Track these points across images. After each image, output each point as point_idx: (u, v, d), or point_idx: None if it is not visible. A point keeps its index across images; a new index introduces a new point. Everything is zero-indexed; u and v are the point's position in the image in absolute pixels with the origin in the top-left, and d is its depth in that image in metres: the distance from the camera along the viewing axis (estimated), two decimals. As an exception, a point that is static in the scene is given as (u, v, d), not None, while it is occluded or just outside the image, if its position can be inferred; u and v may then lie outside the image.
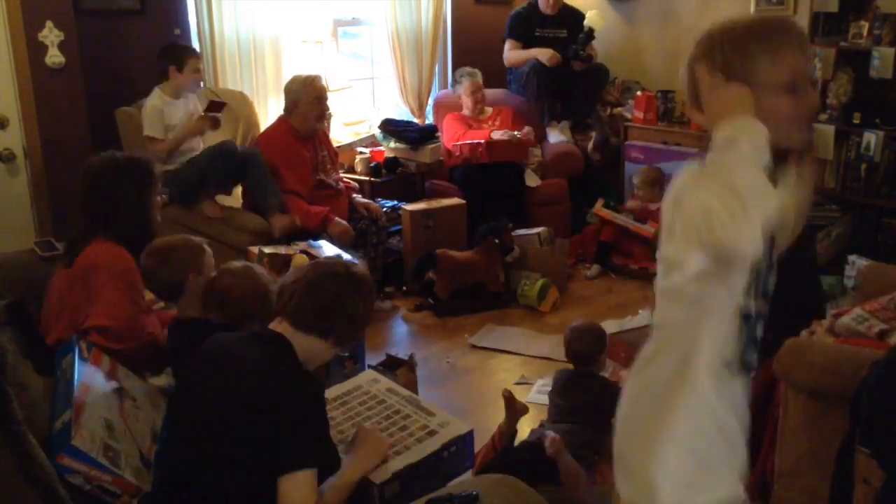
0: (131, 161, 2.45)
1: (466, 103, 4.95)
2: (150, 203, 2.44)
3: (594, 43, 5.14)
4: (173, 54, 3.69)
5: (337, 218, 3.78)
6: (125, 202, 2.36)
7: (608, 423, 2.56)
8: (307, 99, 3.82)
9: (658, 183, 4.72)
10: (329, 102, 4.04)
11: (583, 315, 4.01)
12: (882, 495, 1.73)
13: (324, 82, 3.95)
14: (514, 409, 2.57)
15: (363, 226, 3.97)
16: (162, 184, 3.60)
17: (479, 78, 4.92)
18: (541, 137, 5.08)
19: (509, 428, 2.57)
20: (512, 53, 5.16)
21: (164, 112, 3.65)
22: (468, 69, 4.95)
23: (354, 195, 4.17)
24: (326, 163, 4.01)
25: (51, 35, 3.41)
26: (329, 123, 4.55)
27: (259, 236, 3.59)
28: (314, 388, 1.67)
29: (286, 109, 3.90)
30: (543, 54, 4.96)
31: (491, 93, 5.07)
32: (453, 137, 4.85)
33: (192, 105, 3.81)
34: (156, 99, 3.66)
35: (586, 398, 2.70)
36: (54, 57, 3.44)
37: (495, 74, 5.18)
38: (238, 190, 3.97)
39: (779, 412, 2.29)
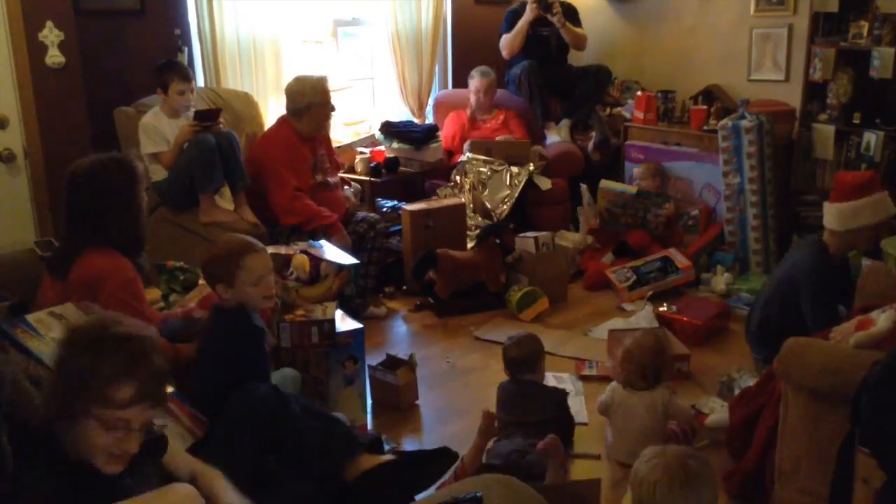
0: (113, 161, 2.39)
1: (471, 99, 4.98)
2: (139, 202, 2.42)
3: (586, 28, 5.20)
4: (159, 76, 3.60)
5: (344, 231, 3.80)
6: (114, 205, 2.33)
7: (552, 429, 2.55)
8: (321, 102, 3.81)
9: (658, 174, 4.79)
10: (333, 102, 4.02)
11: (577, 320, 4.02)
12: (882, 495, 1.73)
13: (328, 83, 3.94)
14: (489, 431, 2.52)
15: (361, 229, 3.96)
16: (156, 195, 3.61)
17: (490, 77, 4.93)
18: (539, 138, 5.07)
19: (477, 456, 2.49)
20: (505, 40, 5.17)
21: (158, 127, 3.60)
22: (484, 68, 4.97)
23: (345, 187, 4.18)
24: (325, 162, 4.01)
25: (51, 35, 3.41)
26: (329, 123, 4.55)
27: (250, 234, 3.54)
28: None
29: (293, 112, 3.84)
30: (526, 14, 4.99)
31: (491, 93, 5.07)
32: (448, 137, 4.90)
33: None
34: (149, 117, 3.61)
35: (530, 408, 2.68)
36: (54, 57, 3.43)
37: (495, 75, 5.18)
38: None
39: (776, 411, 2.30)
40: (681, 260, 4.27)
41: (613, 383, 2.83)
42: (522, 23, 5.04)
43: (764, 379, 2.53)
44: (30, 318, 1.97)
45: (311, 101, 3.80)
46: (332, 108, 3.93)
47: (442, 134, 4.93)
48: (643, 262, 4.30)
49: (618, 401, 2.75)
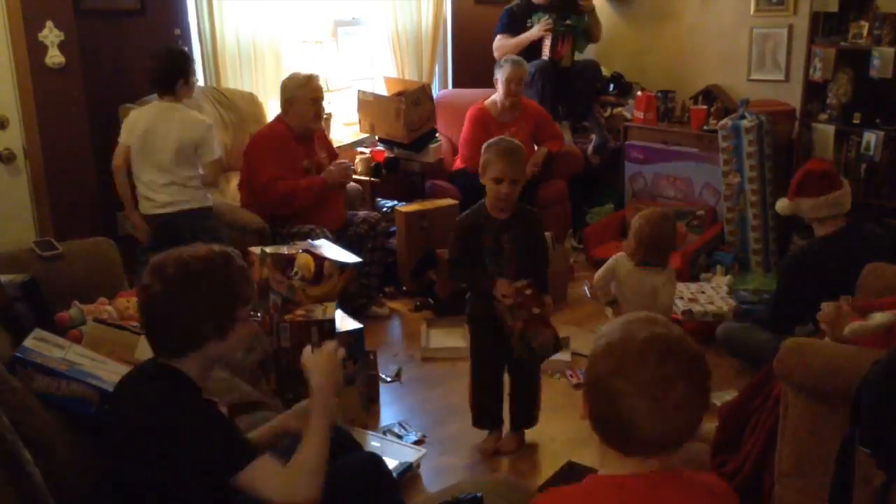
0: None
1: (498, 91, 4.58)
2: None
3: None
4: (183, 65, 3.35)
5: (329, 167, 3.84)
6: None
7: None
8: (303, 98, 3.78)
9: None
10: (326, 103, 3.97)
11: (577, 319, 4.02)
12: (882, 495, 1.73)
13: (321, 82, 3.91)
14: None
15: (362, 229, 3.96)
16: None
17: (524, 69, 4.57)
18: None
19: None
20: (500, 43, 5.04)
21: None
22: (516, 57, 4.60)
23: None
24: (326, 165, 3.99)
25: (51, 35, 3.42)
26: (329, 124, 4.54)
27: (254, 234, 3.54)
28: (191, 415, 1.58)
29: (282, 108, 3.84)
30: (535, 33, 4.90)
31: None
32: (470, 142, 4.54)
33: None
34: (203, 115, 3.55)
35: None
36: (54, 57, 3.44)
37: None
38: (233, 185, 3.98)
39: (774, 412, 2.30)
40: None
41: (616, 256, 2.79)
42: (526, 38, 4.94)
43: (758, 379, 2.52)
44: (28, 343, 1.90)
45: (293, 95, 3.76)
46: (321, 108, 3.87)
47: (461, 139, 4.70)
48: None
49: (623, 276, 2.73)
